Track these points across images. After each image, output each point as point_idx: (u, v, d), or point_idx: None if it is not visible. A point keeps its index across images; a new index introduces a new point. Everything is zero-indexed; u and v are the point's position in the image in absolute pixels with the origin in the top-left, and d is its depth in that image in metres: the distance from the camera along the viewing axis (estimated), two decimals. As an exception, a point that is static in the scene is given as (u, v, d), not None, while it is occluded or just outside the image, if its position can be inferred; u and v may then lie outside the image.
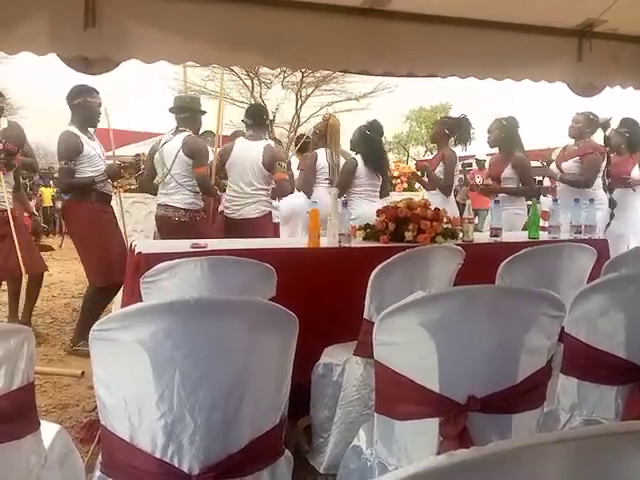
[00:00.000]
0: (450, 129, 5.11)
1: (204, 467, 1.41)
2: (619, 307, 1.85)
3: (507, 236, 3.80)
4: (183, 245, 3.02)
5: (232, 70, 14.18)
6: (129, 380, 1.43)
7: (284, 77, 14.97)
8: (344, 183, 4.68)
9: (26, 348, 1.48)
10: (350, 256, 3.21)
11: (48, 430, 1.69)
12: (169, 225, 4.27)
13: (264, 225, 4.51)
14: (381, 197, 4.88)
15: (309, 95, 16.55)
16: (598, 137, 5.05)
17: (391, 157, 11.13)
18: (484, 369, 1.57)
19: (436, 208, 3.58)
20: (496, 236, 3.66)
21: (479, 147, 11.95)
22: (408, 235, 3.32)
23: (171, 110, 4.45)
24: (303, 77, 15.27)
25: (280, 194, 4.67)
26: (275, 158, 4.46)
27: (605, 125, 4.96)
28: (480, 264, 2.70)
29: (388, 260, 2.46)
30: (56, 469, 1.63)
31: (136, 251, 2.90)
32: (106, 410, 1.46)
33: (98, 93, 4.41)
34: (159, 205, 4.36)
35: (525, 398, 1.62)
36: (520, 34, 3.69)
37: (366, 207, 4.42)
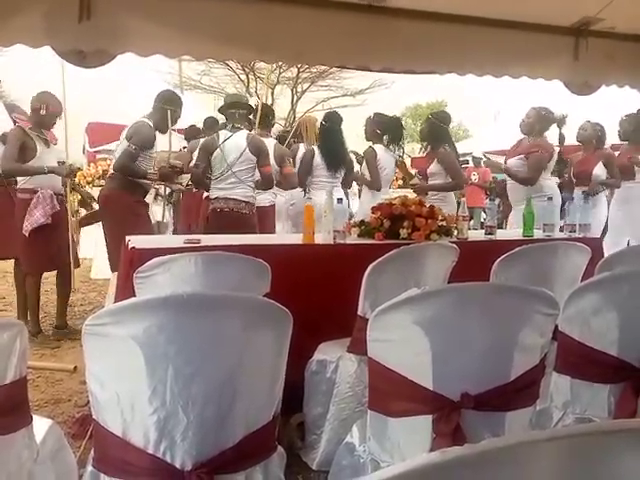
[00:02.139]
0: (382, 129, 5.09)
1: (197, 463, 1.41)
2: (612, 306, 1.86)
3: (502, 234, 3.81)
4: (177, 240, 3.02)
5: (227, 65, 14.14)
6: (122, 375, 1.43)
7: (280, 72, 14.94)
8: (301, 174, 4.90)
9: (19, 343, 1.47)
10: (345, 253, 3.21)
11: (40, 425, 1.68)
12: (231, 217, 4.28)
13: (272, 214, 4.78)
14: (344, 188, 5.05)
15: (305, 90, 16.52)
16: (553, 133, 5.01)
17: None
18: (478, 367, 1.57)
19: (431, 206, 3.59)
20: (491, 234, 3.66)
21: (476, 145, 11.96)
22: (403, 232, 3.32)
23: (221, 110, 4.56)
24: (299, 72, 15.24)
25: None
26: (284, 153, 4.84)
27: (561, 122, 4.93)
28: (474, 262, 2.70)
29: (382, 257, 2.46)
30: (48, 464, 1.63)
31: (130, 246, 2.88)
32: (98, 405, 1.45)
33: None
34: (217, 199, 4.33)
35: (518, 396, 1.62)
36: (518, 31, 3.68)
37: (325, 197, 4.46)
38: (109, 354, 1.43)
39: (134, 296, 2.25)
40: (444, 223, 3.50)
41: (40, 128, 4.42)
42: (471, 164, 11.42)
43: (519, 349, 1.60)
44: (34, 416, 1.60)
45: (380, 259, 2.45)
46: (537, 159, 4.71)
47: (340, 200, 3.45)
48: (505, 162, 4.91)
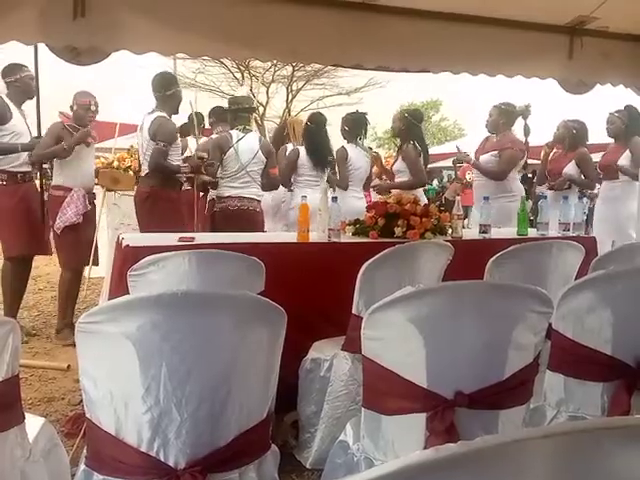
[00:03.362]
0: (349, 125, 5.10)
1: (190, 461, 1.41)
2: (606, 304, 1.86)
3: (496, 233, 3.81)
4: (171, 238, 3.00)
5: (222, 63, 14.14)
6: (115, 373, 1.42)
7: (275, 71, 14.94)
8: (285, 172, 4.93)
9: (11, 340, 1.46)
10: (339, 251, 3.20)
11: (33, 423, 1.67)
12: (245, 216, 4.38)
13: (261, 215, 4.72)
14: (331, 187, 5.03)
15: (300, 89, 16.54)
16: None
17: (382, 152, 11.11)
18: (472, 365, 1.57)
19: (425, 204, 3.59)
20: (485, 232, 3.66)
21: (471, 144, 11.93)
22: (397, 231, 3.32)
23: (233, 110, 4.59)
24: (294, 71, 15.25)
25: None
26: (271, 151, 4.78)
27: (525, 113, 4.90)
28: (469, 260, 2.70)
29: (377, 255, 2.46)
30: (41, 462, 1.62)
31: (124, 244, 2.87)
32: (92, 403, 1.44)
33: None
34: (229, 197, 4.38)
35: (512, 394, 1.62)
36: (512, 30, 3.69)
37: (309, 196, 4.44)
38: (102, 352, 1.42)
39: (128, 294, 2.24)
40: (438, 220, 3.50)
41: (77, 124, 4.45)
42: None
43: (513, 347, 1.60)
44: (27, 414, 1.59)
45: (375, 257, 2.45)
46: (511, 155, 4.71)
47: (335, 199, 3.44)
48: (477, 159, 4.87)
